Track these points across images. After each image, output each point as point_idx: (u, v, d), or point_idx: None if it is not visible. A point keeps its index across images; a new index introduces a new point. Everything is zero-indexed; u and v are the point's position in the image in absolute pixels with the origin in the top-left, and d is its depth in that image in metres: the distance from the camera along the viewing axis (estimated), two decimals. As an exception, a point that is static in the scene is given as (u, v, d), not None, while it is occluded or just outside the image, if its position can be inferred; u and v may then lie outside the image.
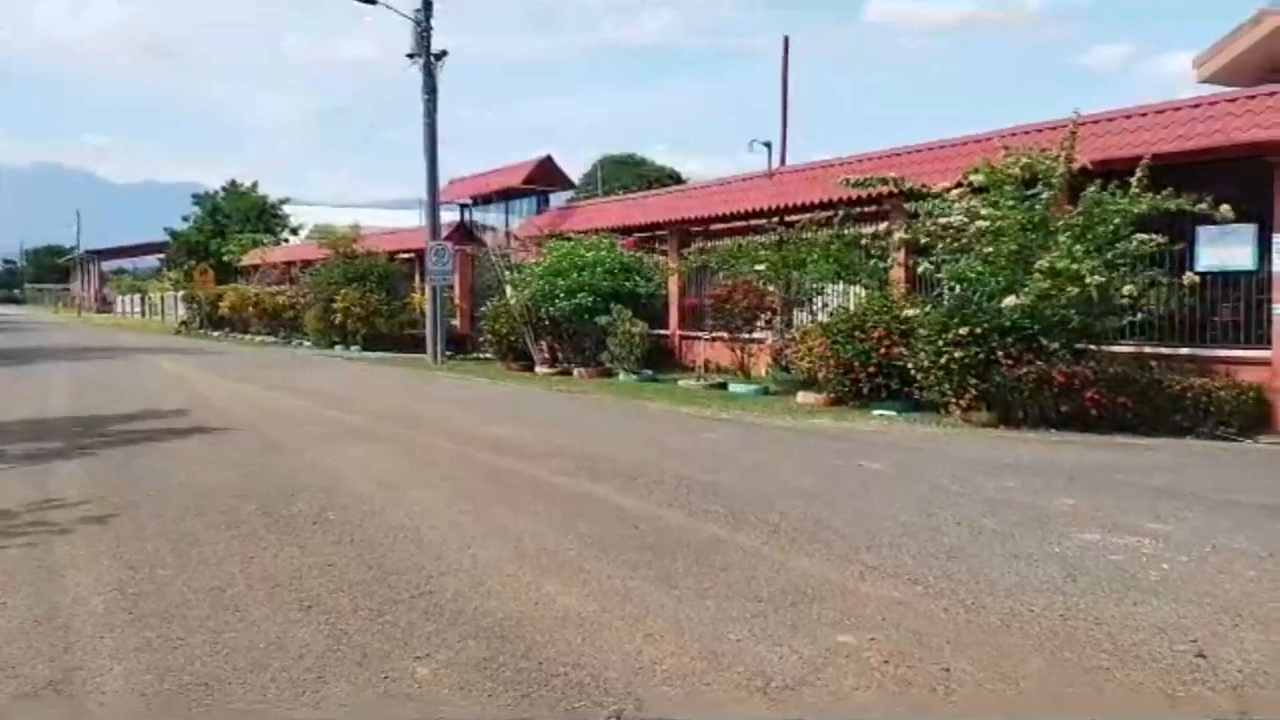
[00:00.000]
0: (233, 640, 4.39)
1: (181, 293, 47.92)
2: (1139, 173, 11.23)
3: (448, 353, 24.32)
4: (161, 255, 62.16)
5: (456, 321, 27.40)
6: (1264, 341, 11.11)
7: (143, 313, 64.05)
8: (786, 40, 25.56)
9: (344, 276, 29.03)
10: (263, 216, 50.58)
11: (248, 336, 36.68)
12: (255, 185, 52.55)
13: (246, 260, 44.18)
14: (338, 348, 28.67)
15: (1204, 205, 10.77)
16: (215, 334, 39.73)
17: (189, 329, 43.54)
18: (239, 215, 50.03)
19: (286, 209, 52.02)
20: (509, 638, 4.40)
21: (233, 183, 52.74)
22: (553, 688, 3.85)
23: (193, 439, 10.54)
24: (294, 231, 50.13)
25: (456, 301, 27.57)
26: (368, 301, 28.20)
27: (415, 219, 36.24)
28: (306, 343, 31.25)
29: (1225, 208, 10.74)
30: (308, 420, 12.43)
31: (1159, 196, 11.05)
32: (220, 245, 47.68)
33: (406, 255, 30.57)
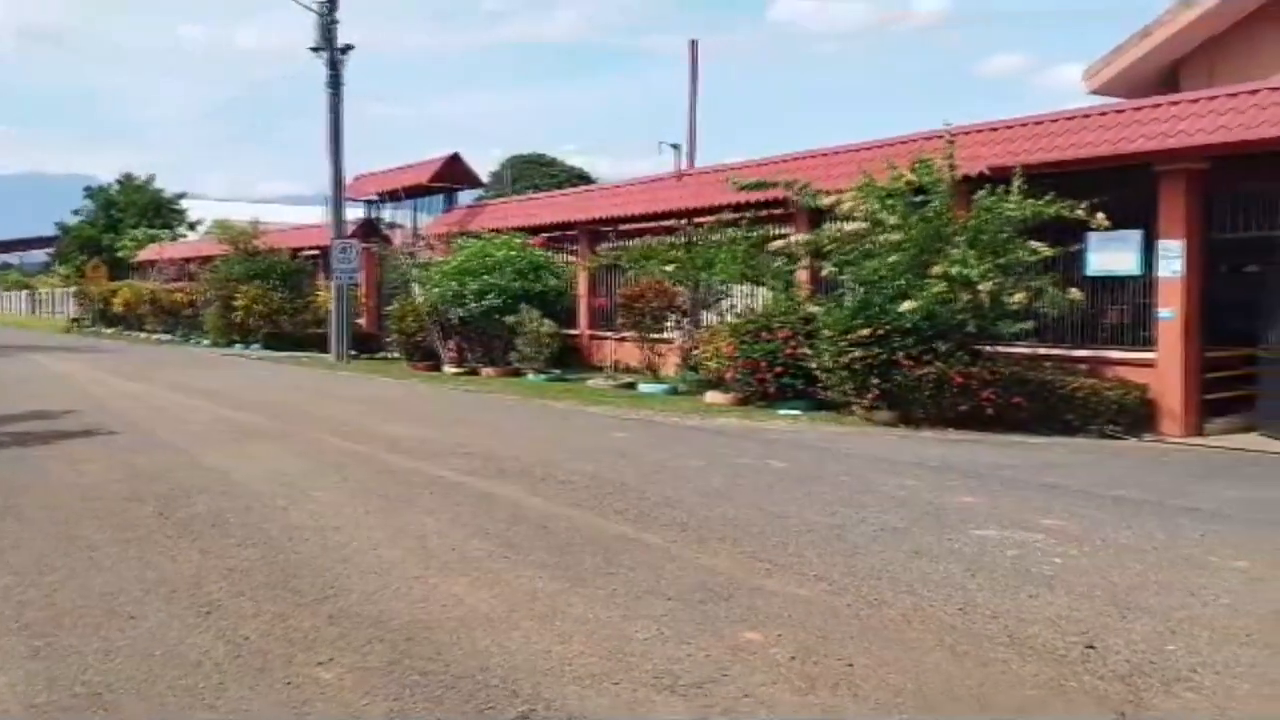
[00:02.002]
0: (127, 648, 4.25)
1: (73, 289, 46.23)
2: (1016, 180, 11.60)
3: (353, 352, 23.90)
4: (50, 250, 59.82)
5: (362, 320, 26.95)
6: (1149, 343, 11.57)
7: (30, 310, 61.58)
8: (694, 43, 25.82)
9: (245, 273, 28.31)
10: (160, 211, 49.09)
11: (143, 334, 35.57)
12: (152, 178, 50.97)
13: (142, 256, 42.80)
14: (238, 346, 27.95)
15: (1081, 211, 11.16)
16: (109, 332, 38.44)
17: (80, 327, 42.03)
18: (134, 209, 48.43)
19: (184, 203, 50.59)
20: (416, 640, 4.35)
21: (127, 176, 51.04)
22: (460, 690, 3.82)
23: (84, 440, 10.17)
24: (192, 227, 48.79)
25: (362, 300, 27.12)
26: (270, 299, 27.55)
27: (319, 216, 35.50)
28: (205, 341, 30.41)
29: (1101, 216, 11.11)
30: (206, 420, 12.10)
31: (1042, 202, 11.42)
32: (114, 240, 46.14)
33: (311, 252, 29.95)
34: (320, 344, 25.40)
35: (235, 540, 6.07)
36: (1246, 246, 11.56)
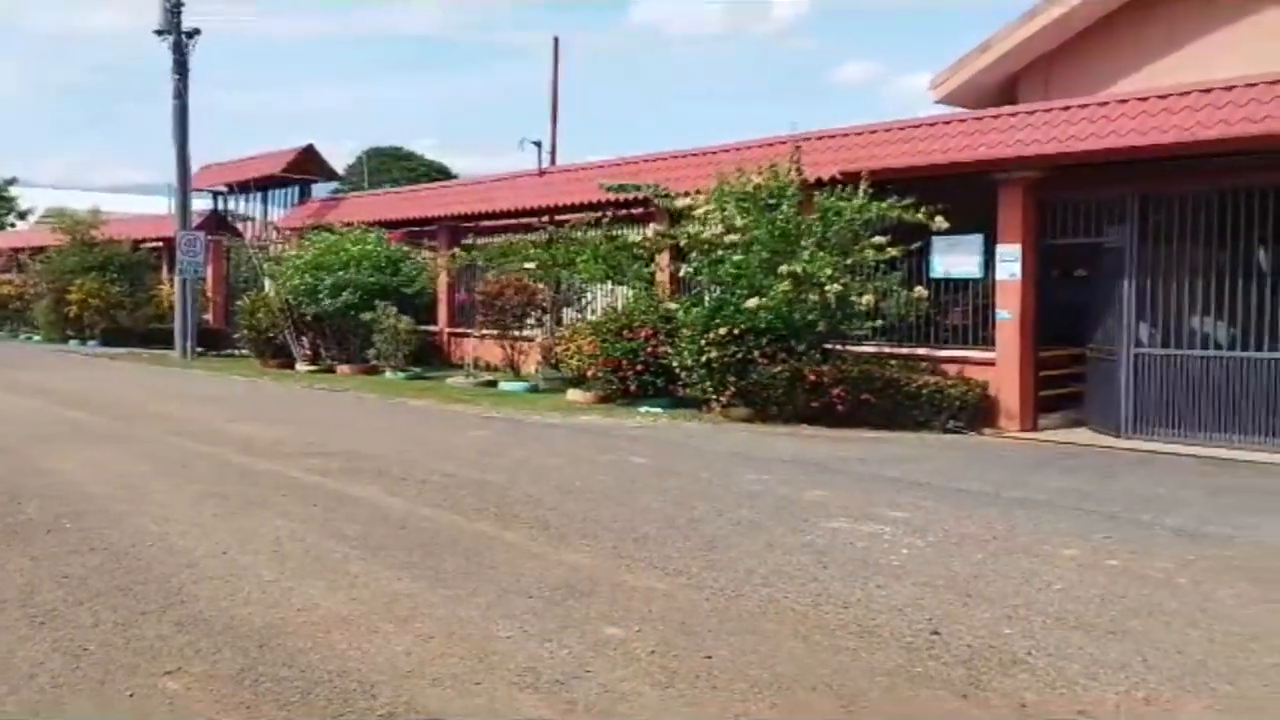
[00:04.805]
0: (-48, 663, 4.00)
1: (-115, 281, 42.95)
2: (863, 184, 12.05)
3: (200, 349, 23.00)
4: None
5: (209, 316, 25.94)
6: (989, 343, 12.15)
7: None
8: (556, 40, 25.77)
9: (81, 265, 26.82)
10: (-16, 198, 46.13)
11: (-34, 330, 33.35)
12: (-24, 163, 47.89)
13: (-34, 246, 40.14)
14: (73, 343, 26.52)
15: (920, 215, 11.64)
16: (-74, 326, 35.89)
17: (-107, 321, 39.08)
18: (-43, 196, 45.42)
19: (14, 191, 47.67)
20: (269, 646, 4.23)
21: (-52, 159, 47.86)
22: (317, 696, 3.74)
23: (-100, 442, 9.49)
24: (23, 215, 46.06)
25: (210, 295, 26.09)
26: (108, 293, 26.20)
27: (164, 206, 34.02)
28: (36, 337, 28.77)
29: (940, 219, 11.63)
30: (36, 420, 11.44)
31: (884, 204, 11.86)
32: (-67, 229, 43.12)
33: (154, 244, 28.61)
34: (164, 340, 24.34)
35: (71, 547, 5.78)
36: (1076, 252, 12.30)
